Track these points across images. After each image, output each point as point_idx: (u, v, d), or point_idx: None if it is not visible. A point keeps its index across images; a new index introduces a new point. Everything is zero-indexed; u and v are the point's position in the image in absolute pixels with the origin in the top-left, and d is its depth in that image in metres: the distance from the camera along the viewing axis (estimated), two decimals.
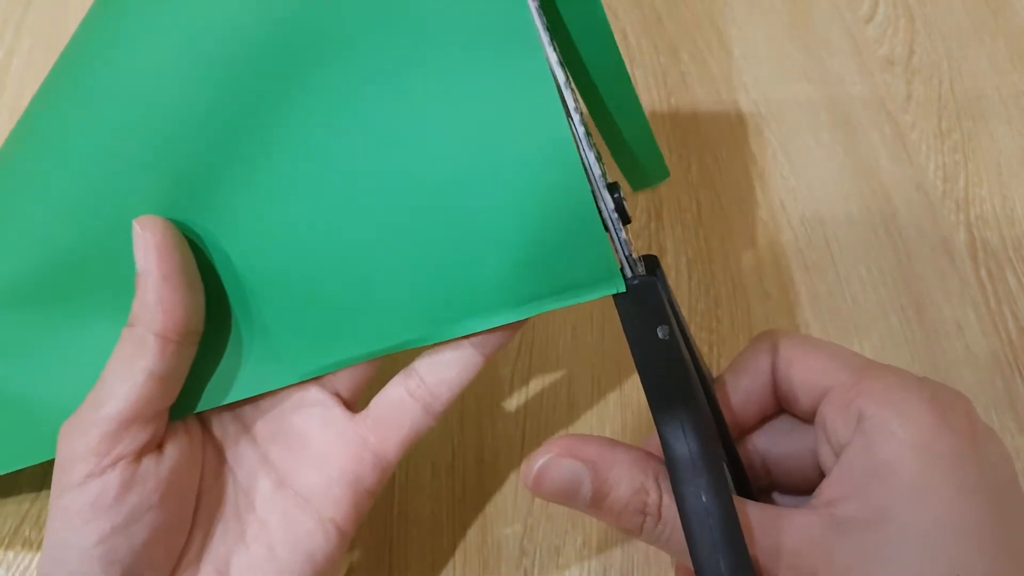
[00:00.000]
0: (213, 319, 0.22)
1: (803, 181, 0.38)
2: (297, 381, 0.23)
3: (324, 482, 0.23)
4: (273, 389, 0.23)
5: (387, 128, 0.21)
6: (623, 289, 0.21)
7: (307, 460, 0.23)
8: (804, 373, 0.22)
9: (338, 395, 0.24)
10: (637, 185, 0.31)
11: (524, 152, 0.20)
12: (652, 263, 0.22)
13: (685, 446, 0.20)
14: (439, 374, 0.23)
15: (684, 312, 0.34)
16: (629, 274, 0.21)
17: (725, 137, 0.40)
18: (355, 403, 0.24)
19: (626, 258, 0.21)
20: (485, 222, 0.21)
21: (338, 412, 0.23)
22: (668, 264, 0.35)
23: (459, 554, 0.28)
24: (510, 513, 0.29)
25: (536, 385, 0.32)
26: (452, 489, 0.30)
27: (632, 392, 0.32)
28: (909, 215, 0.37)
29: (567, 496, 0.20)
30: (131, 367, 0.20)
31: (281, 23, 0.21)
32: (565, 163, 0.20)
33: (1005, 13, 0.45)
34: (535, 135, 0.20)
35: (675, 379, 0.20)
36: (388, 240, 0.22)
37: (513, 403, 0.32)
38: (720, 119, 0.40)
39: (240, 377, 0.23)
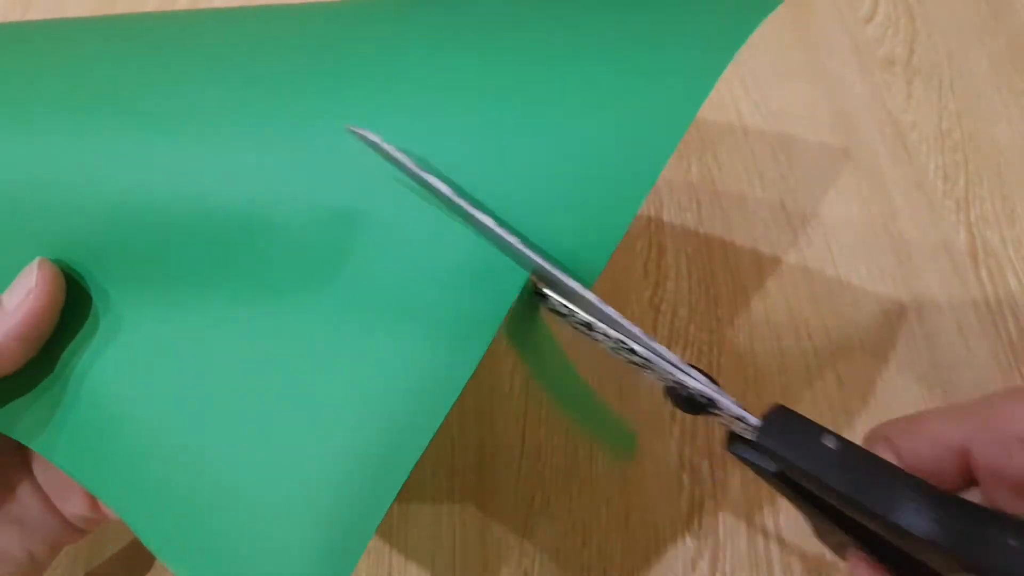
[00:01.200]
0: (41, 363, 0.22)
1: (803, 181, 0.38)
2: (59, 467, 0.22)
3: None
4: (41, 454, 0.22)
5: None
6: None
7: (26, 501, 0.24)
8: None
9: None
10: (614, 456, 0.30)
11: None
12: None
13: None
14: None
15: (684, 311, 0.34)
16: (753, 421, 0.19)
17: (725, 137, 0.40)
18: None
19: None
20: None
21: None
22: (668, 264, 0.35)
23: (459, 554, 0.28)
24: (510, 513, 0.29)
25: (536, 385, 0.32)
26: (452, 489, 0.30)
27: (632, 392, 0.32)
28: (909, 215, 0.37)
29: None
30: None
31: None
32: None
33: (1005, 13, 0.45)
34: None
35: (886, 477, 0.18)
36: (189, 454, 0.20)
37: (513, 403, 0.32)
38: (720, 119, 0.40)
39: (24, 424, 0.22)
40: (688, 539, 0.28)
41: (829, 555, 0.28)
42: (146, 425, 0.21)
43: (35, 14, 0.42)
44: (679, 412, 0.31)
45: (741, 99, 0.41)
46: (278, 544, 0.19)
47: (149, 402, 0.21)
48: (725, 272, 0.35)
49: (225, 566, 0.20)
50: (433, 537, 0.29)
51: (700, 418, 0.31)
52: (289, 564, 0.19)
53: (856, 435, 0.31)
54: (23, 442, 0.22)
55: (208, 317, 0.21)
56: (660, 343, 0.33)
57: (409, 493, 0.30)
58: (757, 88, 0.41)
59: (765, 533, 0.29)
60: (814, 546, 0.28)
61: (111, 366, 0.21)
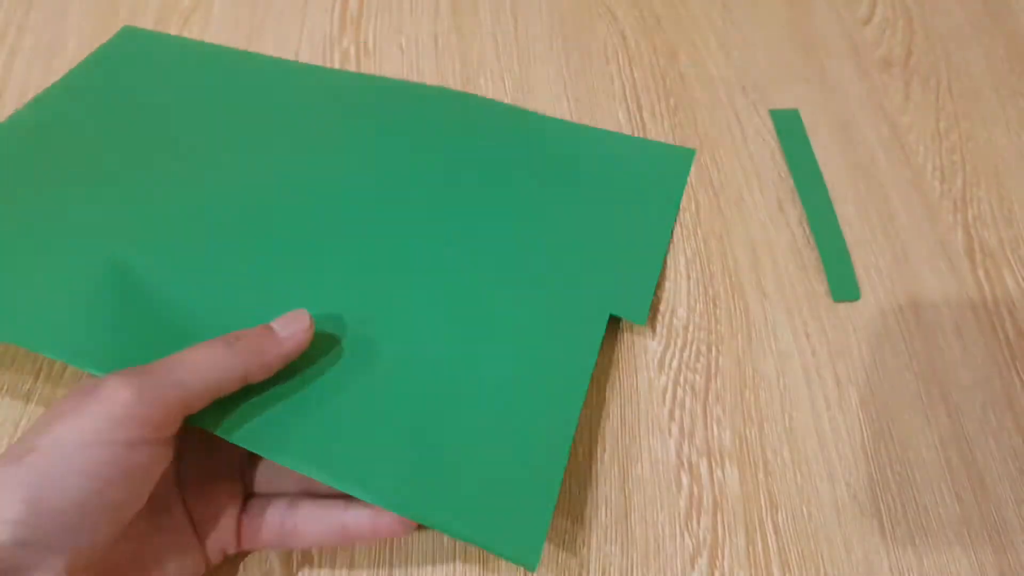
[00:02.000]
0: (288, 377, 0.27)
1: None
2: (293, 467, 0.25)
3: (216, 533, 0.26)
4: (273, 459, 0.25)
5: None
6: (533, 570, 0.24)
7: (213, 509, 0.26)
8: None
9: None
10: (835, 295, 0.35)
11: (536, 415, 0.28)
12: None
13: None
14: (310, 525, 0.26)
15: (684, 312, 0.34)
16: None
17: (724, 137, 0.40)
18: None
19: None
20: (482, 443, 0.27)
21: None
22: (668, 264, 0.35)
23: (459, 554, 0.28)
24: None
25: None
26: None
27: (631, 391, 0.32)
28: (907, 215, 0.37)
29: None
30: (215, 374, 0.24)
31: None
32: (559, 447, 0.27)
33: (1003, 14, 0.45)
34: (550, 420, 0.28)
35: None
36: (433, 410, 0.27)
37: None
38: (719, 120, 0.40)
39: (261, 434, 0.25)
40: (688, 539, 0.29)
41: (828, 554, 0.28)
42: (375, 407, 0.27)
43: (36, 14, 0.42)
44: (679, 412, 0.32)
45: (739, 100, 0.41)
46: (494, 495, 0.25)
47: (374, 389, 0.27)
48: (724, 273, 0.35)
49: (457, 507, 0.25)
50: (433, 537, 0.29)
51: (700, 418, 0.31)
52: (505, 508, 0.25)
53: (854, 435, 0.31)
54: (261, 452, 0.25)
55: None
56: (659, 343, 0.33)
57: None
58: (756, 89, 0.41)
59: (764, 533, 0.29)
60: (813, 546, 0.29)
61: (339, 373, 0.27)
